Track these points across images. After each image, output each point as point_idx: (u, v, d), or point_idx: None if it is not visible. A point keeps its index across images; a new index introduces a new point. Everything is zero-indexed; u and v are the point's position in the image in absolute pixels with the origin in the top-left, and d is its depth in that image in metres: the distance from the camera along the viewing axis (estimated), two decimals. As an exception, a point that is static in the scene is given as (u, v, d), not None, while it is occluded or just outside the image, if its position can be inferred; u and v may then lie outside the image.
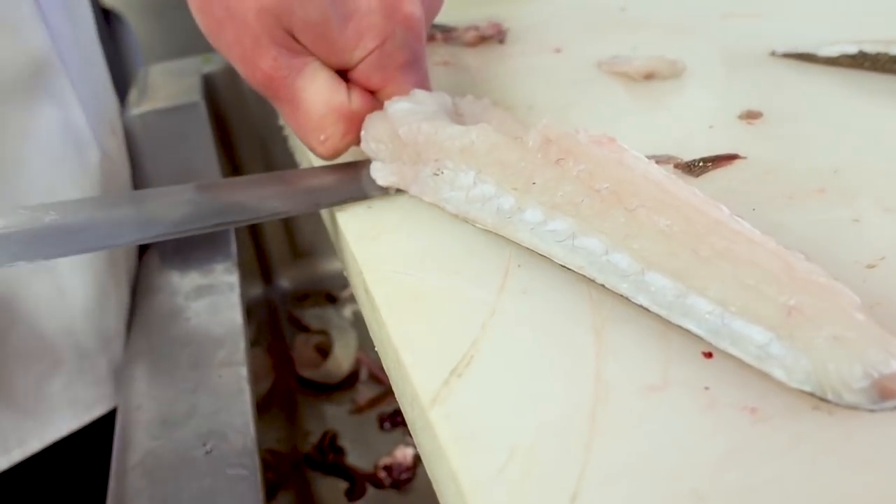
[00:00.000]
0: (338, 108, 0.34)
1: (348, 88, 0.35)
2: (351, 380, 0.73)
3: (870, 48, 0.42)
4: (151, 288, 0.55)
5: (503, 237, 0.28)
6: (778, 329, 0.21)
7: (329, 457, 0.64)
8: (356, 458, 0.66)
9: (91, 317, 0.51)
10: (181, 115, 0.69)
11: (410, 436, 0.67)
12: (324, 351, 0.76)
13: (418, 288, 0.28)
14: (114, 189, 0.56)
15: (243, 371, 0.46)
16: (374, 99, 0.36)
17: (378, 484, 0.62)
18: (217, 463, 0.39)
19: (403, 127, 0.32)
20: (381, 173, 0.34)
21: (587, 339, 0.24)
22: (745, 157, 0.34)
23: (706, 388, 0.21)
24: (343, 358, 0.74)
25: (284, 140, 0.55)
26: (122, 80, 0.85)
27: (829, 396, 0.20)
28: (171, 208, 0.33)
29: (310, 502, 0.64)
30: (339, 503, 0.62)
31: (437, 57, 0.55)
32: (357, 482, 0.63)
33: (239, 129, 0.83)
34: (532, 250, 0.27)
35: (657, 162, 0.34)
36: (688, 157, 0.35)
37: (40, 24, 0.47)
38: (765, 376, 0.21)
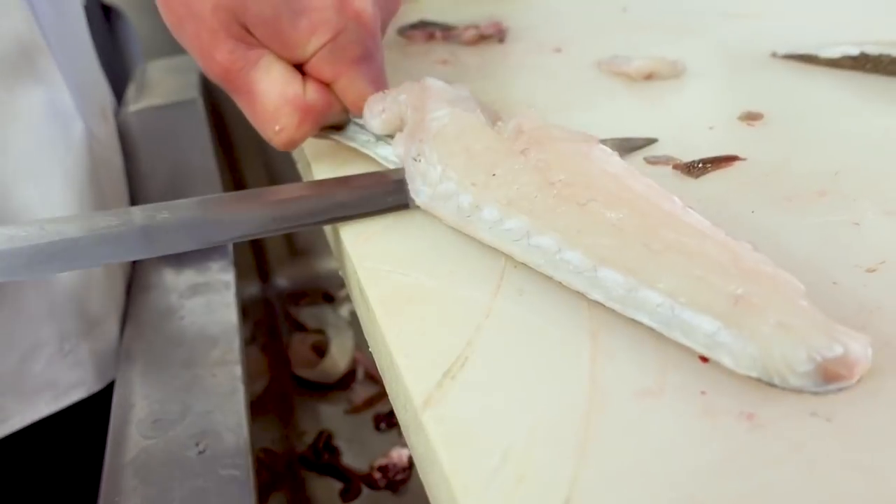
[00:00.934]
0: (292, 99, 0.35)
1: (304, 81, 0.36)
2: (347, 379, 0.73)
3: (872, 50, 0.41)
4: (146, 285, 0.55)
5: (499, 237, 0.28)
6: (725, 318, 0.22)
7: (324, 457, 0.64)
8: (351, 459, 0.65)
9: (74, 301, 0.51)
10: (179, 111, 0.69)
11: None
12: (320, 350, 0.75)
13: (413, 288, 0.27)
14: (104, 174, 0.56)
15: (238, 370, 0.45)
16: (330, 91, 0.36)
17: (373, 485, 0.62)
18: (210, 463, 0.39)
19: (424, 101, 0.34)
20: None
21: (583, 341, 0.24)
22: (744, 159, 0.34)
23: (703, 393, 0.21)
24: (339, 357, 0.74)
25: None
26: (121, 76, 0.84)
27: (776, 381, 0.21)
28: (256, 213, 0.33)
29: (304, 503, 0.63)
30: (333, 504, 0.62)
31: (436, 55, 0.55)
32: (352, 483, 0.62)
33: (237, 126, 0.83)
34: (528, 251, 0.27)
35: (656, 163, 0.34)
36: (687, 157, 0.34)
37: (25, 5, 0.47)
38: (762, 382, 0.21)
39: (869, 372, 0.21)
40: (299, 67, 0.36)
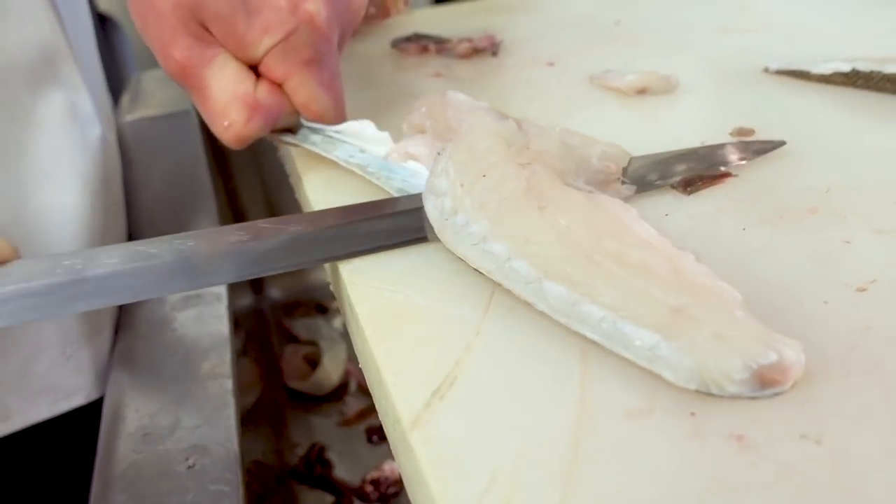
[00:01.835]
0: (242, 96, 0.36)
1: (257, 80, 0.37)
2: (339, 392, 0.73)
3: (863, 66, 0.42)
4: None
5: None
6: (664, 331, 0.22)
7: (316, 470, 0.64)
8: (343, 472, 0.65)
9: None
10: (173, 122, 0.69)
11: (399, 449, 0.66)
12: (313, 362, 0.75)
13: (403, 306, 0.27)
14: (113, 179, 0.56)
15: (228, 384, 0.45)
16: (282, 92, 0.38)
17: (365, 498, 0.62)
18: (199, 478, 0.39)
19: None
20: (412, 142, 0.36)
21: (573, 361, 0.23)
22: (736, 175, 0.34)
23: (692, 414, 0.21)
24: (332, 369, 0.73)
25: (275, 149, 0.55)
26: (116, 85, 0.84)
27: (713, 390, 0.21)
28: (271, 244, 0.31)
29: (296, 516, 0.63)
30: (325, 517, 0.62)
31: (429, 68, 0.55)
32: (344, 496, 0.62)
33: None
34: (519, 269, 0.27)
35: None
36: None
37: (51, 11, 0.48)
38: (752, 403, 0.21)
39: (859, 394, 0.21)
40: (255, 69, 0.37)
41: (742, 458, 0.19)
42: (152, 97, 0.74)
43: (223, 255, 0.31)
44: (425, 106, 0.37)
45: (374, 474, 0.62)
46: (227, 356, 0.48)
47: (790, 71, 0.45)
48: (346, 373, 0.74)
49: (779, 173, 0.34)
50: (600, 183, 0.32)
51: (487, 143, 0.31)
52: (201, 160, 0.66)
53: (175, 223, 0.65)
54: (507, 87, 0.50)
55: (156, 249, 0.30)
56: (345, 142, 0.38)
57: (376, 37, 0.63)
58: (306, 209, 0.40)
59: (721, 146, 0.36)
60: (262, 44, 0.36)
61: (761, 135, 0.38)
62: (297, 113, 0.39)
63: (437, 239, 0.29)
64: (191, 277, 0.31)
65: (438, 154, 0.32)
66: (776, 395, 0.21)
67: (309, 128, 0.40)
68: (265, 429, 0.69)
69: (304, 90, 0.37)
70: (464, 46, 0.57)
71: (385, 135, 0.37)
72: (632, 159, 0.34)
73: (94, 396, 0.53)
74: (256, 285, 0.88)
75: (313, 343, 0.78)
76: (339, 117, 0.39)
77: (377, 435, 0.67)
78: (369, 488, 0.62)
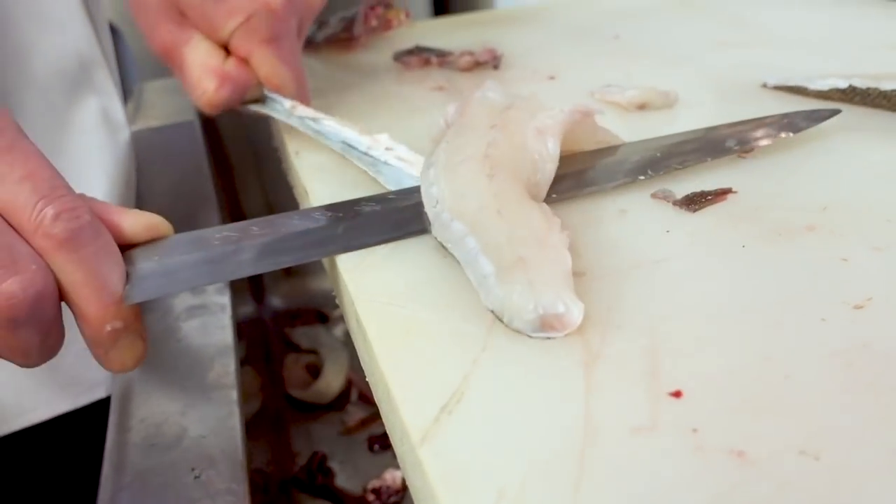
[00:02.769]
0: (213, 68, 0.43)
1: (226, 57, 0.45)
2: (341, 400, 0.73)
3: (860, 83, 0.42)
4: (143, 308, 0.55)
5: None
6: (502, 267, 0.27)
7: (318, 478, 0.64)
8: (345, 481, 0.65)
9: None
10: (176, 133, 0.69)
11: (400, 458, 0.67)
12: (314, 371, 0.75)
13: (410, 321, 0.28)
14: (133, 181, 0.60)
15: (233, 394, 0.46)
16: (248, 66, 0.45)
17: (366, 507, 0.62)
18: (205, 488, 0.39)
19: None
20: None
21: (577, 377, 0.24)
22: (736, 192, 0.35)
23: (694, 430, 0.21)
24: (333, 378, 0.74)
25: (278, 160, 0.55)
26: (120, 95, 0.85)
27: (505, 319, 0.26)
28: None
29: (298, 524, 0.63)
30: (326, 526, 0.62)
31: (432, 82, 0.56)
32: (345, 505, 0.62)
33: (233, 147, 0.83)
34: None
35: (655, 196, 0.34)
36: (679, 189, 0.35)
37: (87, 20, 0.51)
38: (753, 419, 0.21)
39: (856, 410, 0.21)
40: (226, 49, 0.45)
41: (743, 474, 0.20)
42: (155, 108, 0.75)
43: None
44: (455, 105, 0.40)
45: (375, 483, 0.63)
46: (231, 366, 0.48)
47: (788, 87, 0.46)
48: (347, 382, 0.74)
49: (777, 190, 0.35)
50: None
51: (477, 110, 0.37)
52: (205, 170, 0.67)
53: (178, 231, 0.66)
54: (508, 101, 0.51)
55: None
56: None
57: (378, 49, 0.63)
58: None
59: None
60: (227, 25, 0.43)
61: (760, 151, 0.38)
62: (261, 85, 0.45)
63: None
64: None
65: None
66: (548, 339, 0.26)
67: (272, 97, 0.46)
68: (267, 437, 0.69)
69: (265, 64, 0.44)
70: (465, 60, 0.58)
71: (421, 158, 0.38)
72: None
73: (113, 390, 0.53)
74: (258, 294, 0.89)
75: (314, 352, 0.78)
76: (300, 90, 0.46)
77: (378, 444, 0.68)
78: (371, 497, 0.62)
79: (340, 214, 0.34)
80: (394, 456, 0.70)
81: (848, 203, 0.33)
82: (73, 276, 0.29)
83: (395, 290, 0.30)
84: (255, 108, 0.46)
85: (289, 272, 0.91)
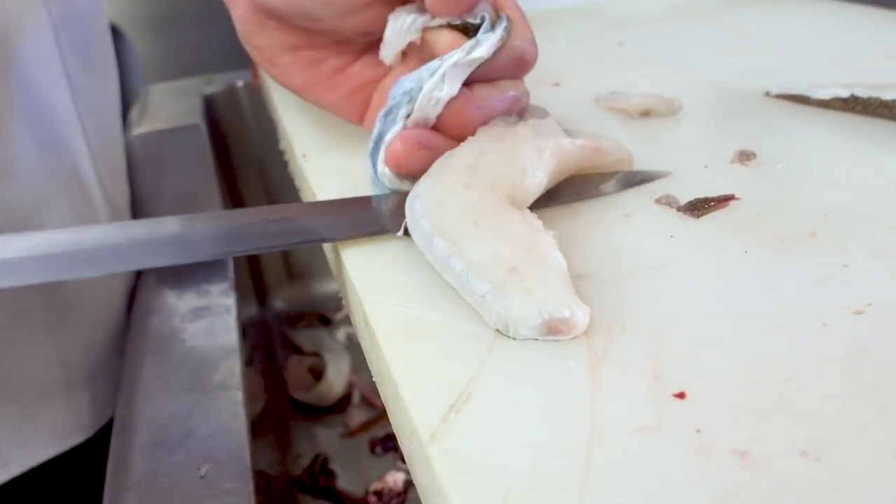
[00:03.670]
0: None
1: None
2: (343, 403, 0.74)
3: (861, 93, 0.43)
4: (148, 309, 0.55)
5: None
6: (497, 283, 0.27)
7: (320, 480, 0.65)
8: (347, 483, 0.66)
9: (84, 346, 0.52)
10: (182, 136, 0.70)
11: (402, 461, 0.67)
12: (317, 373, 0.76)
13: (418, 322, 0.28)
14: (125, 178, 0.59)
15: (239, 395, 0.46)
16: None
17: (368, 509, 0.62)
18: (212, 488, 0.39)
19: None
20: None
21: (583, 378, 0.24)
22: (739, 198, 0.35)
23: (698, 431, 0.22)
24: (336, 381, 0.74)
25: (284, 164, 0.56)
26: (124, 97, 0.85)
27: (510, 332, 0.26)
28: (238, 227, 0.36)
29: (300, 526, 0.64)
30: (328, 527, 0.63)
31: (437, 87, 0.56)
32: (347, 506, 0.63)
33: (238, 150, 0.84)
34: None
35: (659, 202, 0.35)
36: (683, 195, 0.35)
37: (64, 80, 0.50)
38: (757, 420, 0.22)
39: (857, 414, 0.22)
40: None
41: (746, 474, 0.20)
42: (161, 111, 0.75)
43: (215, 231, 0.35)
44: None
45: (377, 485, 0.63)
46: (236, 368, 0.49)
47: (790, 95, 0.47)
48: (349, 384, 0.75)
49: (779, 197, 0.35)
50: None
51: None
52: (210, 174, 0.67)
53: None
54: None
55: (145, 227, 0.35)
56: None
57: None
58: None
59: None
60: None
61: (762, 159, 0.39)
62: None
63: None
64: (181, 250, 0.35)
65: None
66: (556, 341, 0.26)
67: None
68: (269, 439, 0.70)
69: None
70: (471, 66, 0.58)
71: None
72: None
73: (92, 432, 0.54)
74: (261, 297, 0.89)
75: (317, 354, 0.78)
76: None
77: (381, 446, 0.68)
78: (373, 499, 0.62)
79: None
80: (395, 458, 0.71)
81: (849, 210, 0.33)
82: None
83: (402, 291, 0.30)
84: None
85: (292, 275, 0.92)
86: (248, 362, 0.77)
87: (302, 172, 0.44)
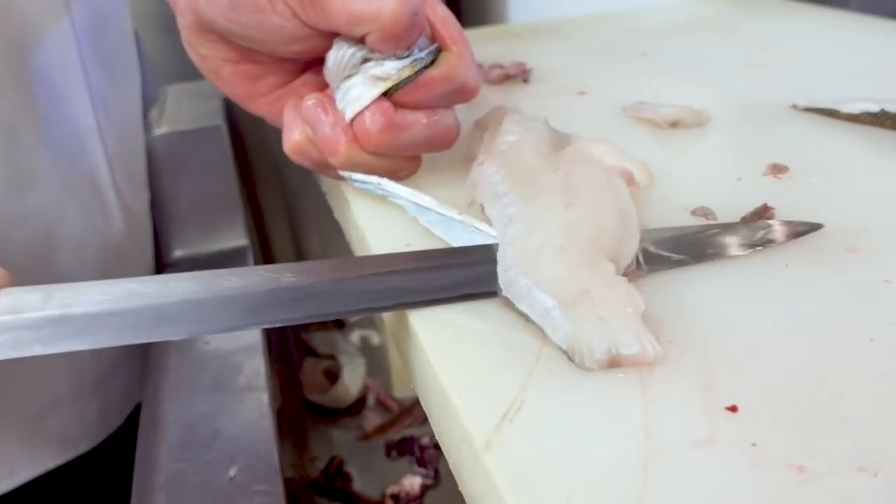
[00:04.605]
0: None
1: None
2: (358, 406, 0.74)
3: (892, 108, 0.43)
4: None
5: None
6: (566, 301, 0.27)
7: (336, 483, 0.65)
8: (362, 486, 0.66)
9: (94, 357, 0.52)
10: (203, 137, 0.70)
11: (418, 465, 0.67)
12: (332, 376, 0.76)
13: (464, 329, 0.28)
14: (135, 244, 0.58)
15: (265, 397, 0.46)
16: None
17: (385, 512, 0.63)
18: (241, 488, 0.40)
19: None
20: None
21: (633, 388, 0.25)
22: (774, 210, 0.35)
23: (753, 445, 0.22)
24: (351, 383, 0.75)
25: (300, 166, 0.56)
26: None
27: (575, 359, 0.26)
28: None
29: (316, 528, 0.64)
30: (345, 530, 0.63)
31: (462, 93, 0.56)
32: (364, 509, 0.63)
33: (255, 153, 0.84)
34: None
35: (695, 213, 0.35)
36: (718, 206, 0.36)
37: (84, 89, 0.51)
38: (812, 434, 0.22)
39: (909, 429, 0.22)
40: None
41: (803, 489, 0.21)
42: (183, 111, 0.75)
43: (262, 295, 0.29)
44: (490, 114, 0.42)
45: (394, 489, 0.63)
46: (262, 369, 0.49)
47: (818, 109, 0.47)
48: (364, 387, 0.75)
49: (814, 211, 0.35)
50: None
51: (529, 158, 0.36)
52: (232, 176, 0.68)
53: (204, 236, 0.67)
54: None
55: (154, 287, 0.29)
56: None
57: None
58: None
59: (756, 224, 0.34)
60: None
61: (795, 172, 0.39)
62: None
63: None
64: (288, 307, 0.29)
65: (480, 164, 0.37)
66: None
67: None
68: (286, 441, 0.70)
69: None
70: (496, 72, 0.59)
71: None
72: (645, 232, 0.33)
73: (98, 440, 0.54)
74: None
75: (331, 357, 0.79)
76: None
77: (396, 450, 0.68)
78: (390, 502, 0.63)
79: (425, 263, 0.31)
80: (411, 462, 0.71)
81: (886, 226, 0.34)
82: None
83: (446, 300, 0.30)
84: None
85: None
86: (264, 364, 0.78)
87: (329, 181, 0.44)
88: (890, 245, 0.32)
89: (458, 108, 0.40)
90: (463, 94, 0.38)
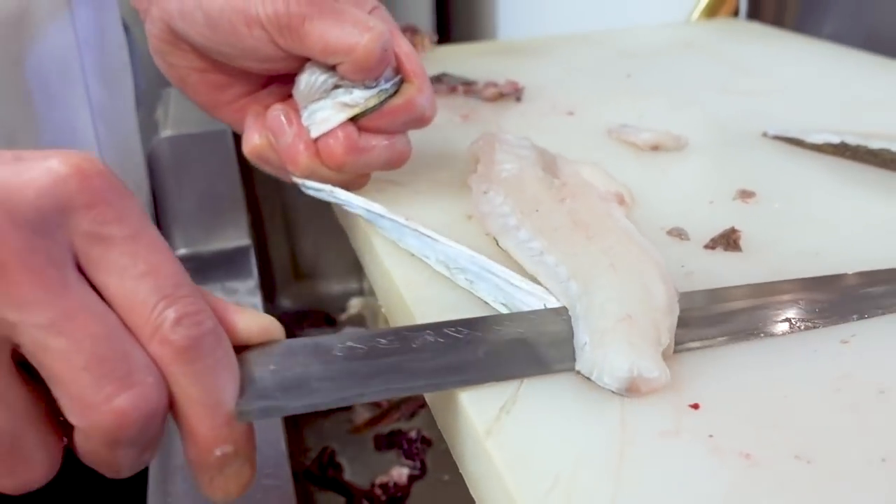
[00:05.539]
0: None
1: None
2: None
3: (851, 140, 0.48)
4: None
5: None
6: (604, 331, 0.29)
7: (328, 472, 0.69)
8: (353, 475, 0.70)
9: None
10: (210, 140, 0.73)
11: (405, 457, 0.71)
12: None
13: (465, 333, 0.32)
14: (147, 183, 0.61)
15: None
16: None
17: (374, 500, 0.67)
18: (252, 472, 0.43)
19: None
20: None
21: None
22: (741, 233, 0.39)
23: (710, 436, 0.26)
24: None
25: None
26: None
27: (593, 376, 0.28)
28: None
29: (309, 514, 0.68)
30: (336, 517, 0.67)
31: (458, 109, 0.60)
32: (354, 497, 0.67)
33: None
34: (564, 308, 0.32)
35: (671, 234, 0.39)
36: (691, 228, 0.40)
37: (85, 100, 0.53)
38: (758, 426, 0.26)
39: (841, 426, 0.26)
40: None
41: (750, 473, 0.25)
42: (187, 114, 0.79)
43: None
44: (481, 142, 0.45)
45: (383, 479, 0.67)
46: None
47: (786, 137, 0.51)
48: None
49: (776, 235, 0.39)
50: None
51: (533, 188, 0.40)
52: (236, 180, 0.71)
53: (207, 235, 0.70)
54: (530, 134, 0.55)
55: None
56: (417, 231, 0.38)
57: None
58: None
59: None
60: None
61: (761, 197, 0.44)
62: None
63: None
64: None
65: (485, 192, 0.40)
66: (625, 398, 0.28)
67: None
68: (282, 432, 0.74)
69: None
70: (489, 91, 0.63)
71: (538, 288, 0.34)
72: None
73: None
74: (269, 294, 0.93)
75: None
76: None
77: (385, 443, 0.72)
78: (378, 491, 0.67)
79: (479, 334, 0.30)
80: (398, 455, 0.74)
81: (839, 251, 0.38)
82: (187, 389, 0.25)
83: (448, 306, 0.34)
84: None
85: (299, 275, 0.95)
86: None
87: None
88: (840, 268, 0.36)
89: (453, 123, 0.44)
90: (420, 122, 0.42)
